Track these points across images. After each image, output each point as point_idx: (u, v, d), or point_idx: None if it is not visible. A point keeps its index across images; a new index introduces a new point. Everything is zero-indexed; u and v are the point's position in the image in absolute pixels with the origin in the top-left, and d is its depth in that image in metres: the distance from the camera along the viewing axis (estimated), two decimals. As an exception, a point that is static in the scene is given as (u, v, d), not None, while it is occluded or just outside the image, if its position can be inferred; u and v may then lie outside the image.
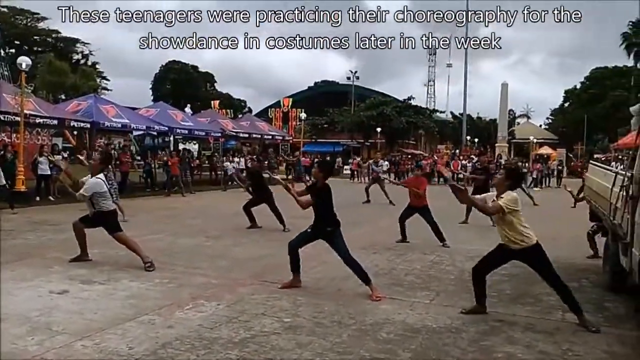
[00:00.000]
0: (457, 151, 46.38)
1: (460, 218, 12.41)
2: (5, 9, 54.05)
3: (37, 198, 15.35)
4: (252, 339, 4.62)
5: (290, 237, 9.88)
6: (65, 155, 20.41)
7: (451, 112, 71.99)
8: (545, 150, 55.79)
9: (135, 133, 23.53)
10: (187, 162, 21.85)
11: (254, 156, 15.59)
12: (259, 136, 29.26)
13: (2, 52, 28.15)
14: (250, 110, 68.04)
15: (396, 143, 55.52)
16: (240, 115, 46.78)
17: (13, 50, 48.85)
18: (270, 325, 5.00)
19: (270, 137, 31.10)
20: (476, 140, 57.80)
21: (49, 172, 15.66)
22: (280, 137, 34.41)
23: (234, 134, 26.93)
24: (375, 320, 5.25)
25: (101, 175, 7.32)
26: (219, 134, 25.18)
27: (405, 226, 9.80)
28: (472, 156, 36.22)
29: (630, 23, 60.49)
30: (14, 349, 4.27)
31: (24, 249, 8.46)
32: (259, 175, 11.83)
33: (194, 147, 32.85)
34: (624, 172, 6.20)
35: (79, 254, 7.48)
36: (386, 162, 20.71)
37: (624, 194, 5.78)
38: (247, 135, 28.32)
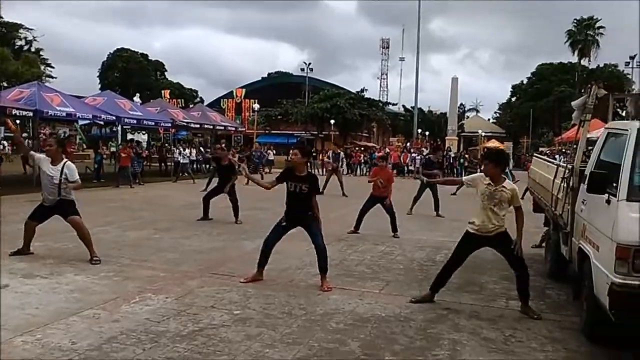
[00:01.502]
0: (409, 144, 47.08)
1: (407, 208, 12.59)
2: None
3: None
4: (201, 332, 4.56)
5: (240, 229, 9.96)
6: (6, 144, 19.56)
7: (403, 106, 73.23)
8: (493, 143, 57.31)
9: (81, 122, 22.74)
10: (135, 153, 21.35)
11: (222, 144, 15.30)
12: (211, 127, 28.78)
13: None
14: (202, 101, 66.87)
15: (349, 135, 55.93)
16: (191, 105, 45.94)
17: (-51, 35, 46.35)
18: (219, 317, 4.95)
19: (222, 127, 30.66)
20: (427, 133, 58.88)
21: None
22: (233, 128, 34.00)
23: (185, 124, 26.41)
24: (326, 310, 5.28)
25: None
26: (169, 124, 24.63)
27: (363, 218, 9.86)
28: (423, 149, 36.89)
29: (575, 21, 62.93)
30: (-53, 347, 4.07)
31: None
32: (229, 162, 11.58)
33: (143, 137, 32.06)
34: (564, 165, 6.45)
35: (21, 248, 7.18)
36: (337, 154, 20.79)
37: (565, 185, 6.01)
38: (198, 126, 27.83)
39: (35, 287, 5.75)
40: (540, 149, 40.60)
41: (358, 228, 9.86)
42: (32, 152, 7.31)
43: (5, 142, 16.16)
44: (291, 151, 6.47)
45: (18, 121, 23.30)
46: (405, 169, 31.17)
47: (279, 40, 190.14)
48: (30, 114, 17.21)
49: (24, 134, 26.53)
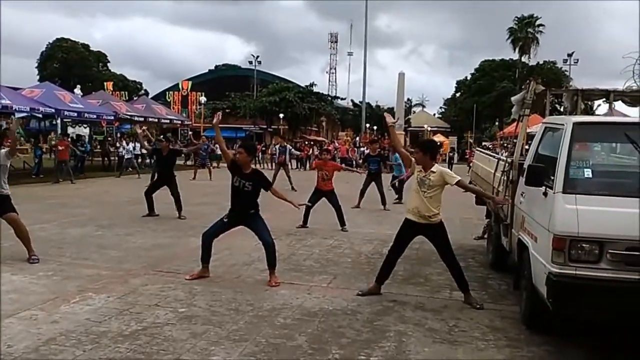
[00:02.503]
0: (357, 138, 47.54)
1: (354, 202, 12.71)
2: None
3: None
4: (144, 331, 4.45)
5: (186, 225, 9.78)
6: None
7: (352, 100, 73.59)
8: (439, 138, 58.67)
9: (18, 115, 21.69)
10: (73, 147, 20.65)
11: (162, 136, 14.95)
12: (156, 120, 28.11)
13: None
14: (146, 93, 65.13)
15: (299, 129, 55.87)
16: (135, 98, 44.65)
17: None
18: (164, 316, 4.84)
19: (168, 121, 29.98)
20: (375, 127, 59.51)
21: None
22: (180, 122, 33.31)
23: (129, 117, 25.67)
24: (273, 305, 5.26)
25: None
26: (112, 117, 23.88)
27: (309, 212, 9.87)
28: (369, 143, 37.27)
29: (516, 18, 64.96)
30: None
31: None
32: (170, 155, 11.31)
33: (84, 131, 30.93)
34: (505, 159, 6.65)
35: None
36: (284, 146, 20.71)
37: (505, 178, 6.21)
38: (142, 119, 27.06)
39: (-34, 288, 5.47)
40: (484, 143, 41.82)
41: (306, 222, 9.87)
42: None
43: None
44: (237, 149, 6.37)
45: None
46: (354, 163, 31.42)
47: (225, 32, 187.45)
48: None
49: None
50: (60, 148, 18.28)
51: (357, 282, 6.24)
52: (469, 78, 72.58)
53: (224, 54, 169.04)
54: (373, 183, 13.11)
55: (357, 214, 11.86)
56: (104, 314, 4.82)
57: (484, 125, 67.02)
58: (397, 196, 14.18)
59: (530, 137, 7.12)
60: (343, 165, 10.36)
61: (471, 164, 17.35)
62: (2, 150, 6.85)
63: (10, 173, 7.21)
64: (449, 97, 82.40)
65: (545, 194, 4.51)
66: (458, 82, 76.55)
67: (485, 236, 8.71)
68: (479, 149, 13.85)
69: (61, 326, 4.50)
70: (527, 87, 6.53)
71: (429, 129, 63.24)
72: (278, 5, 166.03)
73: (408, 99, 74.93)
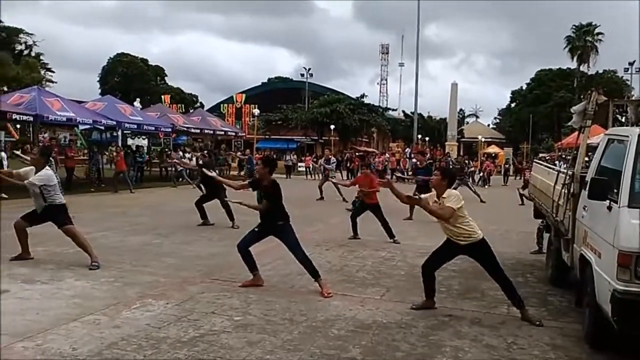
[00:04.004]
0: (408, 149, 47.10)
1: (406, 214, 12.59)
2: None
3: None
4: (201, 338, 4.55)
5: (241, 234, 9.90)
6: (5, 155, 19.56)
7: (403, 111, 73.24)
8: (493, 149, 57.44)
9: (81, 127, 22.74)
10: (133, 157, 21.41)
11: (205, 151, 15.39)
12: (211, 132, 28.82)
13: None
14: (202, 106, 67.01)
15: (349, 140, 55.97)
16: (191, 110, 45.97)
17: (-50, 39, 46.43)
18: (220, 323, 4.94)
19: (222, 132, 30.69)
20: (427, 138, 58.93)
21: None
22: (233, 133, 34.01)
23: (185, 129, 26.45)
24: (327, 316, 5.27)
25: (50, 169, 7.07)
26: (170, 129, 24.67)
27: (357, 223, 9.87)
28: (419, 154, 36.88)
29: (574, 27, 63.11)
30: (-53, 352, 4.05)
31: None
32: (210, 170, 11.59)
33: (143, 142, 32.05)
34: (565, 171, 6.44)
35: (20, 253, 7.17)
36: (333, 160, 20.87)
37: (566, 191, 6.01)
38: (198, 131, 27.86)
39: (35, 292, 5.74)
40: (540, 154, 40.59)
41: (357, 233, 9.85)
42: (14, 172, 7.35)
43: (3, 153, 16.10)
44: (256, 165, 6.58)
45: (18, 126, 23.37)
46: (405, 174, 31.19)
47: (275, 45, 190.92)
48: (31, 118, 17.21)
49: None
50: (118, 159, 18.98)
51: (410, 295, 6.17)
52: (524, 88, 70.93)
53: (273, 66, 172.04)
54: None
55: (409, 226, 11.75)
56: (163, 320, 4.96)
57: (541, 135, 65.08)
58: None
59: (591, 148, 6.88)
60: (378, 182, 10.24)
61: (525, 176, 16.90)
62: (26, 168, 7.16)
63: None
64: (504, 107, 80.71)
65: (609, 208, 4.35)
66: (513, 92, 74.96)
67: (543, 250, 8.45)
68: (537, 160, 13.47)
69: (123, 331, 4.66)
70: (588, 98, 6.32)
71: (483, 140, 61.94)
72: (327, 17, 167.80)
73: (461, 110, 73.89)
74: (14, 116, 16.99)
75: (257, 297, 5.82)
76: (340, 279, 6.79)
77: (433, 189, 5.60)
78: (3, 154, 15.78)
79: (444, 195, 5.39)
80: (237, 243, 6.36)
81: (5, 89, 38.20)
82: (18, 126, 23.13)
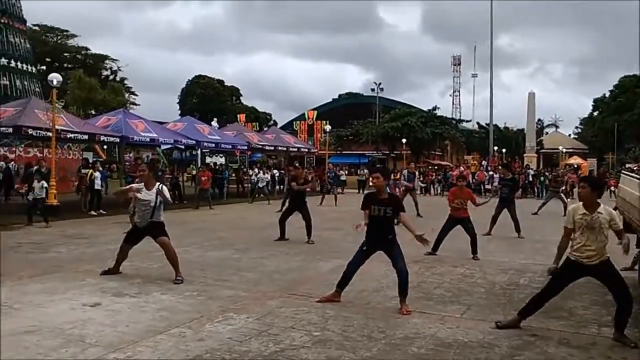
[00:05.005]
0: (484, 162, 45.83)
1: (484, 229, 12.22)
2: (36, 27, 55.60)
3: (92, 212, 15.96)
4: (282, 353, 4.61)
5: (316, 250, 10.04)
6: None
7: (477, 122, 71.44)
8: (575, 160, 54.81)
9: (163, 147, 23.87)
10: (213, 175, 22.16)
11: (296, 163, 15.80)
12: (285, 149, 29.39)
13: (34, 69, 28.93)
14: (275, 123, 68.61)
15: (422, 154, 55.23)
16: (265, 128, 47.14)
17: (44, 67, 50.22)
18: (299, 338, 4.99)
19: (295, 149, 31.22)
20: (504, 150, 57.06)
21: (100, 187, 16.89)
22: (306, 150, 34.50)
23: (260, 146, 27.12)
24: (406, 334, 5.19)
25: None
26: (245, 147, 25.39)
27: (442, 240, 9.67)
28: (499, 167, 35.82)
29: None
30: (48, 361, 4.33)
31: (56, 262, 8.61)
32: (304, 181, 11.78)
33: (220, 160, 33.17)
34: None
35: (111, 268, 7.57)
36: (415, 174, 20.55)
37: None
38: (272, 148, 28.50)
39: (124, 305, 6.04)
40: (627, 165, 38.23)
41: (436, 250, 9.65)
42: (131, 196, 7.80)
43: (97, 173, 17.11)
44: (372, 175, 6.45)
45: (105, 146, 24.83)
46: (482, 187, 30.36)
47: (344, 62, 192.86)
48: (117, 139, 18.27)
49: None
50: (203, 178, 19.70)
51: (492, 313, 5.97)
52: (607, 95, 67.37)
53: (343, 82, 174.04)
54: (505, 209, 12.54)
55: (489, 242, 11.40)
56: (245, 334, 5.07)
57: (627, 145, 61.37)
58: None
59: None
60: (477, 200, 10.02)
61: (613, 189, 15.98)
62: (163, 186, 7.51)
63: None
64: (586, 116, 76.96)
65: None
66: (595, 100, 71.36)
67: (636, 267, 7.92)
68: (624, 171, 12.72)
69: (206, 344, 4.80)
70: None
71: (564, 150, 59.34)
72: (395, 31, 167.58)
73: (539, 120, 71.07)
74: (102, 138, 18.10)
75: (335, 313, 5.83)
76: (417, 296, 6.67)
77: (580, 201, 5.28)
78: (97, 173, 16.78)
79: (599, 211, 5.08)
80: (349, 261, 6.32)
81: (93, 112, 40.81)
82: (105, 147, 24.59)
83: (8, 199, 18.54)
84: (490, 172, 31.53)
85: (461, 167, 38.51)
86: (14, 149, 22.58)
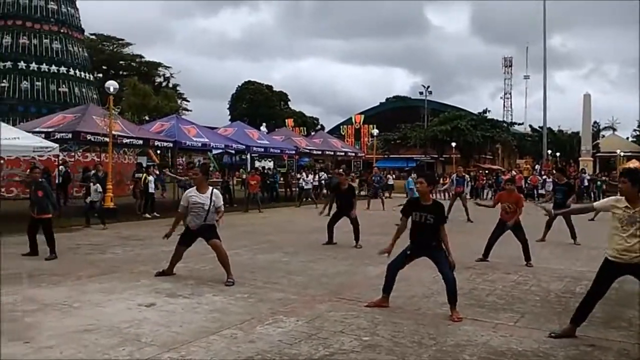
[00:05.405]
0: (538, 166, 44.57)
1: (538, 235, 11.87)
2: (93, 37, 57.81)
3: (146, 215, 16.58)
4: (332, 357, 4.62)
5: (364, 254, 10.01)
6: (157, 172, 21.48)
7: (530, 125, 69.61)
8: (634, 163, 52.47)
9: (214, 151, 24.39)
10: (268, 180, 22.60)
11: (341, 169, 15.91)
12: (332, 153, 29.48)
13: (91, 76, 30.11)
14: (322, 128, 68.91)
15: (472, 158, 54.23)
16: (313, 133, 47.43)
17: (101, 75, 52.15)
18: (349, 343, 4.98)
19: (342, 153, 31.25)
20: (558, 154, 55.31)
21: (154, 190, 17.59)
22: (353, 154, 34.48)
23: (308, 151, 27.31)
24: (457, 341, 5.11)
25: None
26: (293, 152, 25.62)
27: (493, 245, 9.47)
28: (554, 171, 34.82)
29: None
30: (105, 358, 4.48)
31: (113, 262, 8.94)
32: (349, 187, 11.77)
33: (269, 164, 33.61)
34: None
35: (165, 269, 7.79)
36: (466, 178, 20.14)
37: None
38: (320, 152, 28.64)
39: (178, 306, 6.19)
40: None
41: (487, 256, 9.45)
42: (178, 215, 8.01)
43: (151, 177, 17.67)
44: (416, 180, 6.39)
45: (159, 151, 25.60)
46: (535, 192, 29.56)
47: (391, 66, 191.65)
48: (170, 144, 18.78)
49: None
50: (252, 182, 20.02)
51: (547, 322, 5.79)
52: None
53: (390, 86, 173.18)
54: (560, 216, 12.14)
55: (543, 248, 11.08)
56: (295, 337, 5.11)
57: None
58: None
59: None
60: (523, 203, 9.77)
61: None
62: (216, 192, 7.68)
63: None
64: (646, 118, 73.62)
65: None
66: (656, 102, 68.18)
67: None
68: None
69: (257, 346, 4.87)
70: None
71: (622, 154, 56.92)
72: (442, 34, 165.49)
73: (595, 122, 68.54)
74: (156, 143, 18.64)
75: (384, 318, 5.80)
76: (469, 303, 6.55)
77: (617, 197, 5.14)
78: (150, 177, 17.32)
79: None
80: (389, 263, 6.29)
81: (147, 118, 42.09)
82: (158, 151, 25.38)
83: (67, 202, 19.34)
84: (544, 177, 30.63)
85: (513, 171, 37.58)
86: (72, 153, 23.54)
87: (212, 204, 7.43)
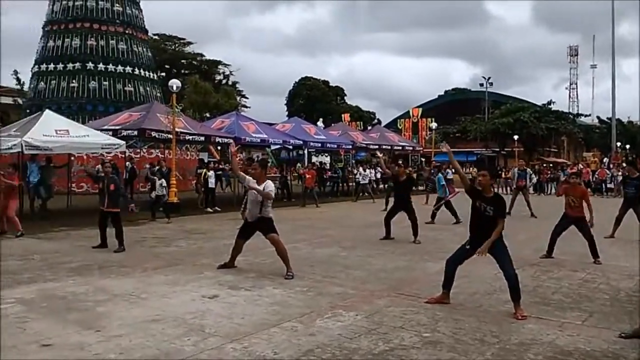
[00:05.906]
0: (606, 159, 42.58)
1: (608, 231, 11.35)
2: (156, 37, 59.64)
3: (208, 209, 17.03)
4: (392, 352, 4.60)
5: (422, 249, 9.90)
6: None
7: (597, 117, 66.52)
8: None
9: (272, 147, 24.71)
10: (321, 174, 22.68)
11: (399, 161, 15.81)
12: (389, 147, 29.23)
13: (155, 75, 31.11)
14: (379, 122, 68.40)
15: (535, 151, 52.41)
16: (369, 127, 47.16)
17: (164, 74, 53.72)
18: (409, 339, 4.95)
19: (400, 147, 30.93)
20: (627, 146, 52.63)
21: (214, 185, 18.13)
22: (411, 148, 34.06)
23: (364, 145, 27.20)
24: (521, 340, 4.97)
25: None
26: (350, 146, 25.59)
27: (556, 241, 9.16)
28: (623, 164, 33.19)
29: None
30: (172, 348, 4.66)
31: (177, 255, 9.24)
32: (408, 180, 11.64)
33: (325, 159, 33.73)
34: None
35: (227, 262, 7.98)
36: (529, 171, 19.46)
37: None
38: (376, 147, 28.43)
39: (240, 298, 6.34)
40: None
41: (551, 252, 9.13)
42: (240, 173, 8.15)
43: (211, 172, 18.11)
44: (477, 173, 6.26)
45: (219, 147, 26.14)
46: (603, 186, 28.28)
47: (449, 58, 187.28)
48: (231, 140, 19.14)
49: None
50: (307, 176, 20.19)
51: (618, 322, 5.55)
52: None
53: (449, 78, 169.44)
54: (631, 210, 11.58)
55: (612, 245, 10.59)
56: (354, 331, 5.13)
57: None
58: (454, 219, 13.54)
59: None
60: (590, 200, 9.37)
61: None
62: (269, 182, 7.76)
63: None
64: None
65: None
66: None
67: None
68: None
69: (317, 339, 4.92)
70: None
71: (700, 146, 53.57)
72: (503, 24, 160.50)
73: (670, 113, 64.68)
74: (217, 139, 19.08)
75: (445, 315, 5.72)
76: (533, 301, 6.36)
77: None
78: (211, 172, 17.77)
79: None
80: (447, 259, 6.25)
81: (208, 115, 43.10)
82: (219, 147, 25.95)
83: (133, 196, 20.13)
84: (612, 170, 29.24)
85: (580, 165, 36.08)
86: (138, 150, 24.42)
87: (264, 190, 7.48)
